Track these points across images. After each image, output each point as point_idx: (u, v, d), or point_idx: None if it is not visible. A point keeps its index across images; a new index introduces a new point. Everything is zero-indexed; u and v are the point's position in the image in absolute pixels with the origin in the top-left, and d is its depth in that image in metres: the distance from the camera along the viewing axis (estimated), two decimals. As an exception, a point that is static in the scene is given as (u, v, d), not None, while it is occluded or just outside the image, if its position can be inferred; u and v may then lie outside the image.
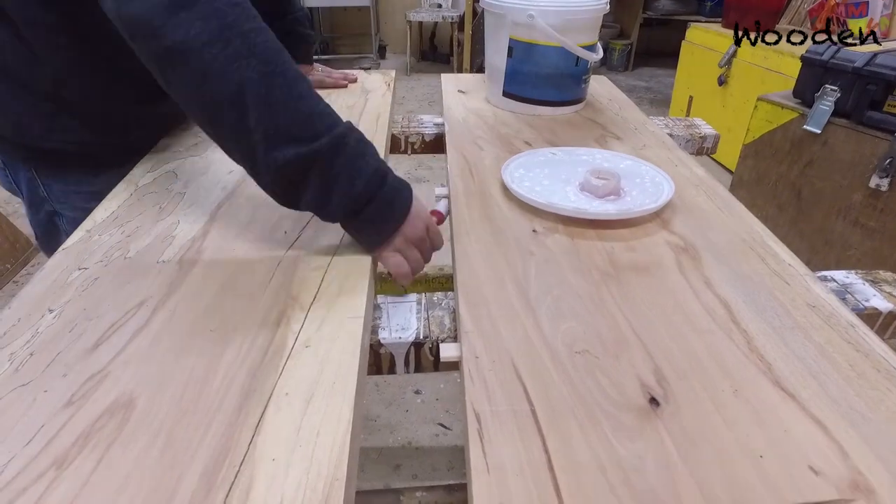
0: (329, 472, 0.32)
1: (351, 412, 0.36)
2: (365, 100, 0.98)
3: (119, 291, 0.48)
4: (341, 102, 0.97)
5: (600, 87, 1.12)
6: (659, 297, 0.49)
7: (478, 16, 3.60)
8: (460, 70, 3.84)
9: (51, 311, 0.46)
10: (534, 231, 0.59)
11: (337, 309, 0.46)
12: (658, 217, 0.63)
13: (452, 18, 3.84)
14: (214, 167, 0.72)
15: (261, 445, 0.34)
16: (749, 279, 0.52)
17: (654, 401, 0.39)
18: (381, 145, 0.79)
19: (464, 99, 1.02)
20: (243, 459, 0.33)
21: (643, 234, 0.59)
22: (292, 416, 0.36)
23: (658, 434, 0.36)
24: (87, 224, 0.59)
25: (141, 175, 0.69)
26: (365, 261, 0.53)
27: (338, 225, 0.54)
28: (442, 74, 1.17)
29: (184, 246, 0.55)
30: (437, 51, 4.39)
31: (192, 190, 0.66)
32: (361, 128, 0.85)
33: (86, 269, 0.51)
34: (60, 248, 0.54)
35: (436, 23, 4.28)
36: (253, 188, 0.66)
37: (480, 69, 3.84)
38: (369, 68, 1.21)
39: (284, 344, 0.42)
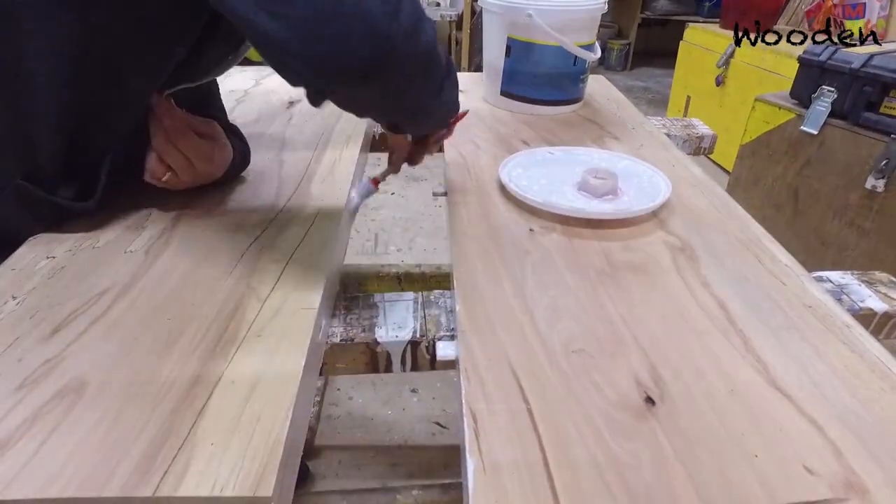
0: (264, 458, 0.33)
1: (293, 401, 0.37)
2: None
3: (84, 280, 0.49)
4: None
5: (598, 86, 1.12)
6: (656, 296, 0.50)
7: (476, 15, 3.60)
8: (458, 69, 3.83)
9: (14, 297, 0.46)
10: (531, 230, 0.59)
11: (292, 300, 0.47)
12: (655, 217, 0.63)
13: (451, 17, 3.83)
14: None
15: (202, 430, 0.35)
16: (746, 279, 0.52)
17: (650, 400, 0.39)
18: (357, 142, 0.79)
19: (461, 98, 1.02)
20: (183, 443, 0.34)
21: (640, 234, 0.59)
22: (236, 402, 0.37)
23: (654, 433, 0.36)
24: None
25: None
26: (324, 255, 0.53)
27: (303, 220, 0.58)
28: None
29: (153, 236, 0.55)
30: (436, 49, 4.38)
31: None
32: (341, 124, 0.86)
33: (53, 257, 0.52)
34: (31, 238, 0.55)
35: (434, 21, 4.27)
36: (227, 182, 0.66)
37: (479, 68, 3.83)
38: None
39: (237, 333, 0.43)
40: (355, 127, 0.84)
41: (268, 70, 1.13)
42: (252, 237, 0.56)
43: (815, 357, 0.43)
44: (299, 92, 0.98)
